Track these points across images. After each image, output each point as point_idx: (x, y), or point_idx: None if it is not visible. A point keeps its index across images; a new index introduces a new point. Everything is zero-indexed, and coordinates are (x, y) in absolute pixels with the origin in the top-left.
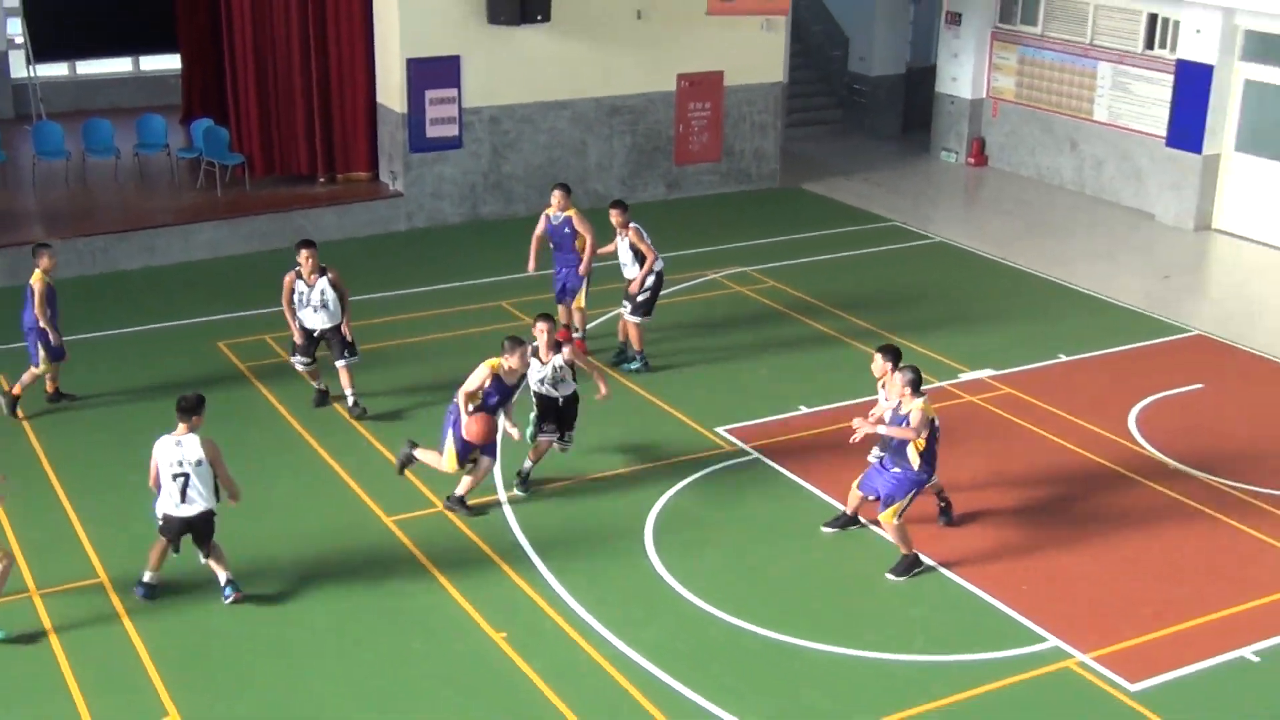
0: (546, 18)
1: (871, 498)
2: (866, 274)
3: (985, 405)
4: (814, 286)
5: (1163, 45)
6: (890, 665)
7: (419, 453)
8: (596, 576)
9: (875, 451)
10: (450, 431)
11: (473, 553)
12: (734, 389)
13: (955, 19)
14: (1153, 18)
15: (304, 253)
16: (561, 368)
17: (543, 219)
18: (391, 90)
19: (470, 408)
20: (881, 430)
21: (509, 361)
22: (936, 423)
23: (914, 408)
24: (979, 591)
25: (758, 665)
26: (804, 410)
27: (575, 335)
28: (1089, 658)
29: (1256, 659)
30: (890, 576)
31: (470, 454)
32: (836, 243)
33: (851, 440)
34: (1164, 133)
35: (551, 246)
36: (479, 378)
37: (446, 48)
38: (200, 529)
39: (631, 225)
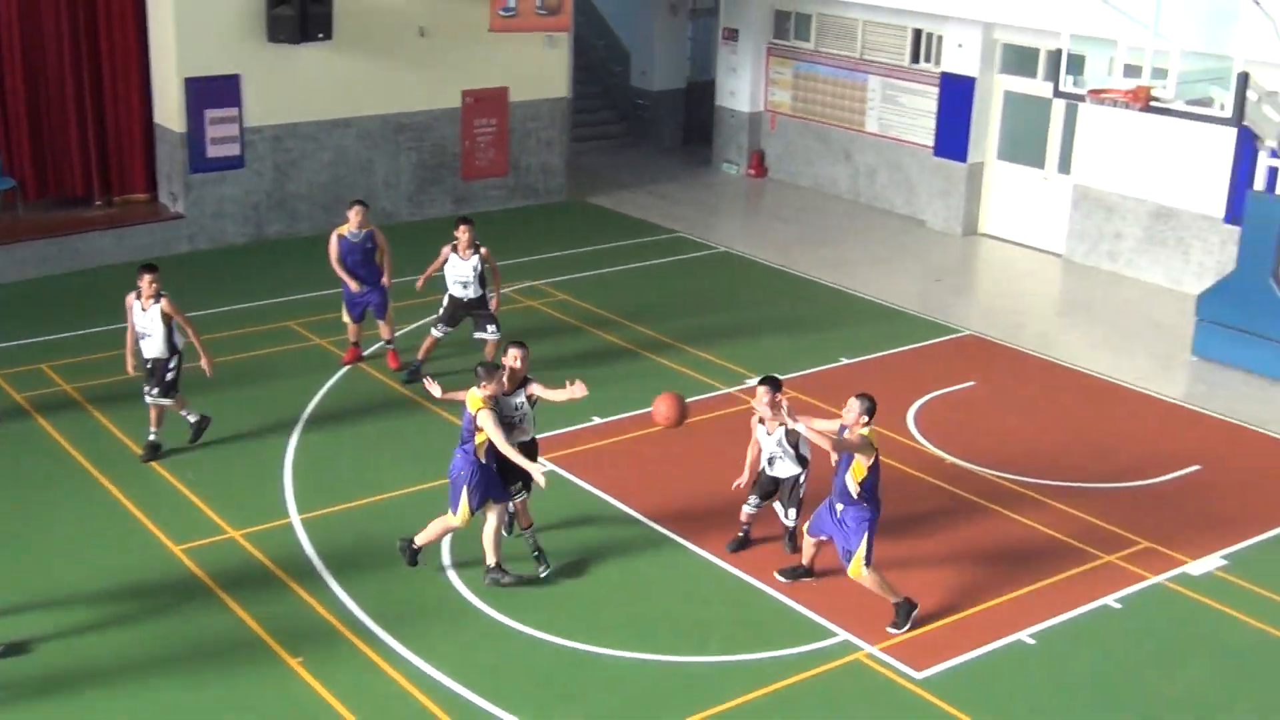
0: (328, 36)
1: (824, 537)
2: (654, 285)
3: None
4: (603, 299)
5: (928, 59)
6: (687, 667)
7: (421, 538)
8: (392, 595)
9: (750, 504)
10: (465, 486)
11: (265, 578)
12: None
13: (732, 35)
14: (918, 33)
15: (462, 227)
16: (523, 404)
17: (336, 239)
18: (169, 110)
19: (501, 439)
20: (802, 429)
21: (487, 390)
22: (879, 456)
23: (860, 431)
24: (769, 590)
25: (557, 674)
26: (597, 420)
27: (389, 346)
28: (877, 649)
29: (1032, 641)
30: (891, 630)
31: (483, 503)
32: (624, 255)
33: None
34: (931, 143)
35: (347, 264)
36: (489, 420)
37: (226, 66)
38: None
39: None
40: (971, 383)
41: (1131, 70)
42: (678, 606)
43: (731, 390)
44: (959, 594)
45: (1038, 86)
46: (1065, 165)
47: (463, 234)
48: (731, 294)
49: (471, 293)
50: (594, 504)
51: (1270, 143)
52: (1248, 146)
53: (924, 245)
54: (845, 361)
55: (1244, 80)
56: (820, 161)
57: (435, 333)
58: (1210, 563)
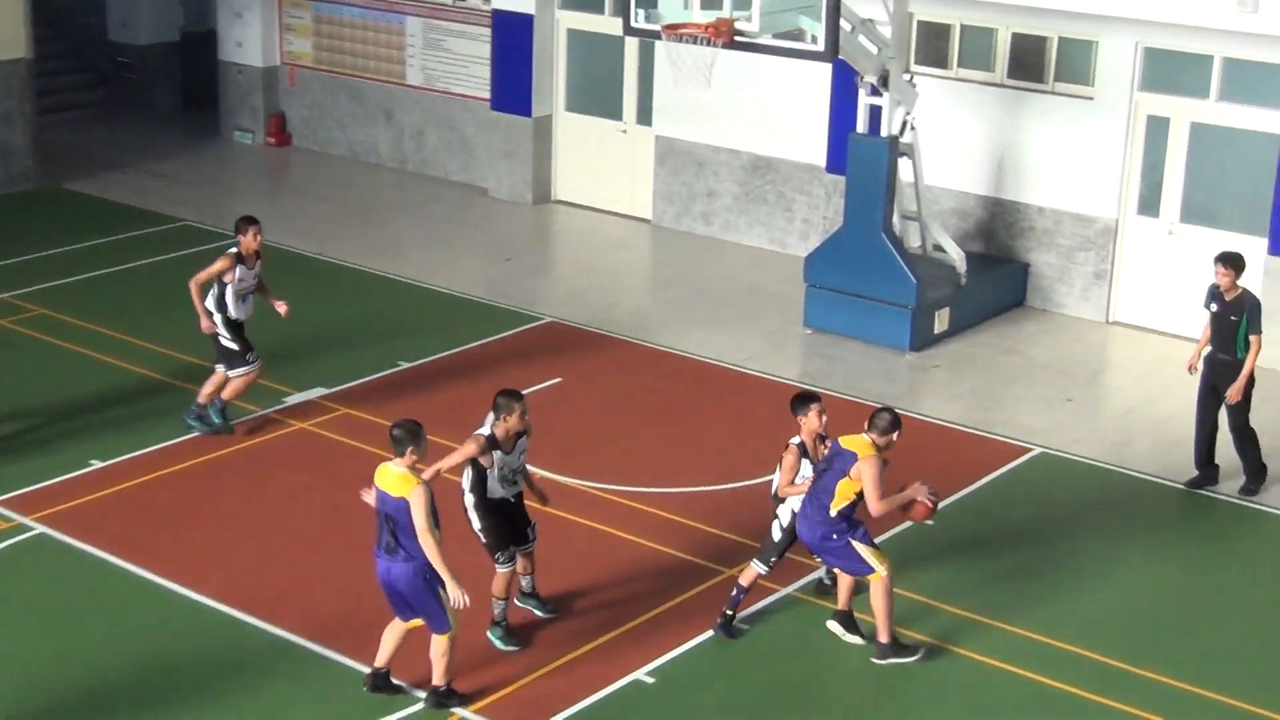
0: None
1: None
2: (160, 288)
3: (319, 431)
4: (95, 311)
5: None
6: None
7: (438, 675)
8: None
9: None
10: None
11: None
12: (6, 449)
13: None
14: None
15: None
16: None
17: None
18: None
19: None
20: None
21: (509, 422)
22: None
23: (868, 456)
24: (336, 656)
25: None
26: (97, 465)
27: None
28: (469, 712)
29: (651, 680)
30: (884, 661)
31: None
32: (117, 252)
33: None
34: (488, 95)
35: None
36: (425, 504)
37: None
38: None
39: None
40: (558, 379)
41: (711, 1)
42: (205, 676)
43: (268, 411)
44: (561, 633)
45: (606, 23)
46: (646, 115)
47: None
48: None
49: None
50: (98, 569)
51: (870, 78)
52: (847, 84)
53: (489, 218)
54: (404, 366)
55: (835, 8)
56: (355, 124)
57: None
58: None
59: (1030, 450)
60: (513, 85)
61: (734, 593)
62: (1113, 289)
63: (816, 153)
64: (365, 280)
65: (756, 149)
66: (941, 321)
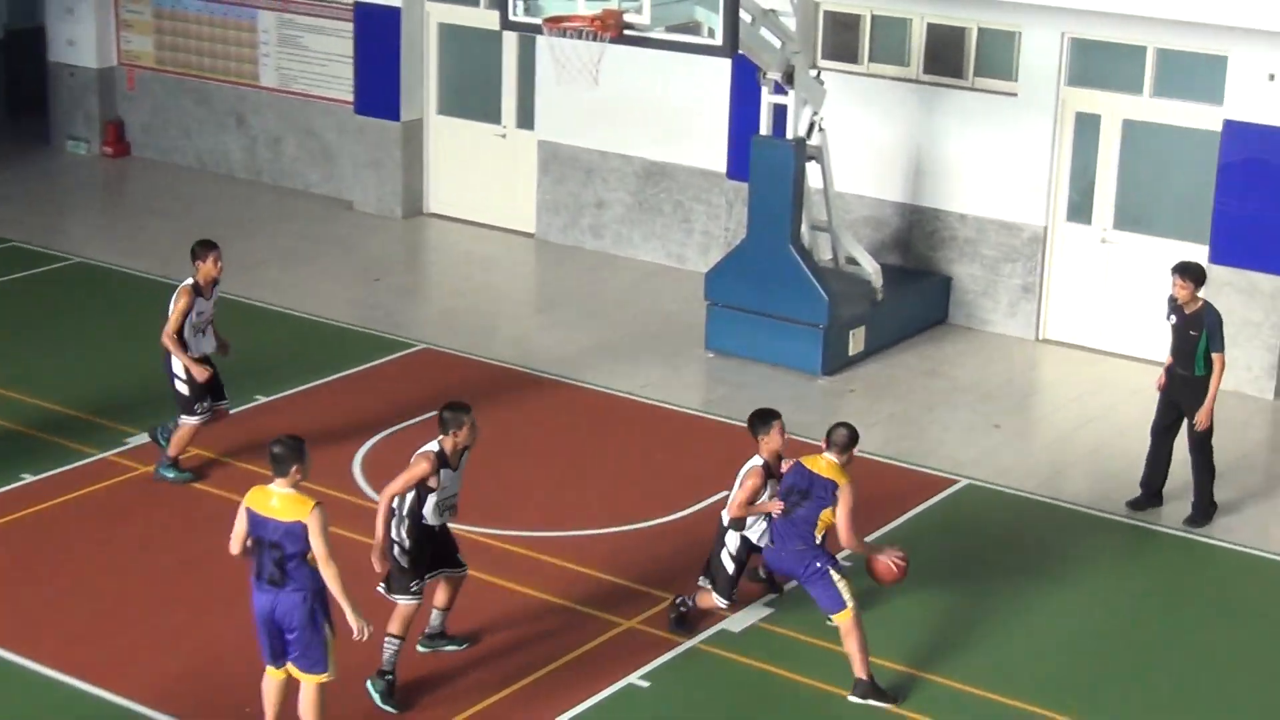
0: None
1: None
2: None
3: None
4: None
5: None
6: None
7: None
8: None
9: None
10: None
11: None
12: None
13: None
14: None
15: None
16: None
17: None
18: None
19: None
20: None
21: (457, 437)
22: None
23: (845, 484)
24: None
25: None
26: None
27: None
28: None
29: None
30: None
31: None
32: None
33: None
34: (351, 97)
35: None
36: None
37: None
38: None
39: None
40: (432, 413)
41: None
42: None
43: (106, 455)
44: (449, 696)
45: (482, 16)
46: (527, 118)
47: None
48: (88, 322)
49: None
50: None
51: (773, 75)
52: (748, 82)
53: (354, 234)
54: (262, 400)
55: None
56: (203, 130)
57: None
58: (753, 614)
59: (956, 482)
60: (378, 86)
61: (682, 601)
62: (1042, 303)
63: (716, 158)
64: (220, 306)
65: (650, 154)
66: (856, 342)
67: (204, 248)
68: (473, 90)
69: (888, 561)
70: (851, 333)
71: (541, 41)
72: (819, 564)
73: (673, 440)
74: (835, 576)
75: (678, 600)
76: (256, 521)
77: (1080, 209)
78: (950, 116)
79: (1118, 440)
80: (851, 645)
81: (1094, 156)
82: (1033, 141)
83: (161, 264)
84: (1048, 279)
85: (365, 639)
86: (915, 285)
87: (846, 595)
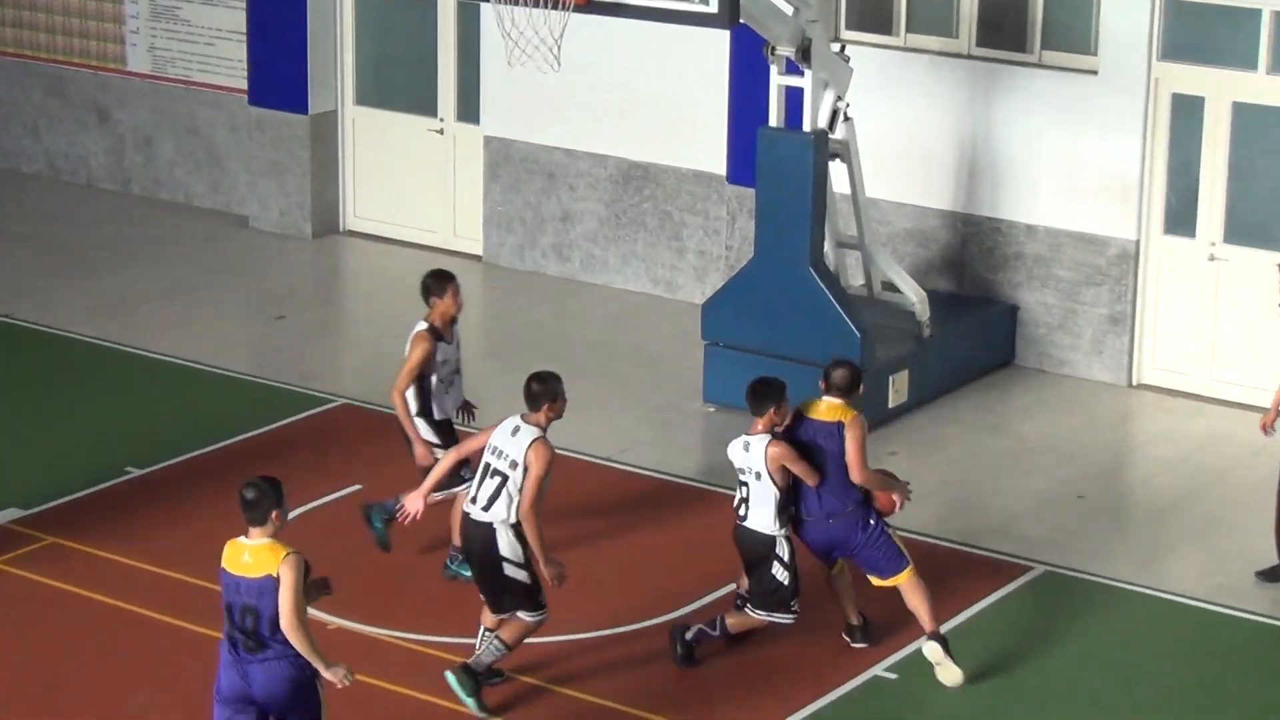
0: None
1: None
2: None
3: (19, 571)
4: None
5: None
6: None
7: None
8: None
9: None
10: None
11: None
12: None
13: None
14: None
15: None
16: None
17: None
18: None
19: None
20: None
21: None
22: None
23: (853, 418)
24: None
25: None
26: None
27: None
28: None
29: None
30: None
31: None
32: None
33: None
34: (245, 85)
35: None
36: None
37: None
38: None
39: None
40: (356, 486)
41: None
42: None
43: None
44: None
45: None
46: (470, 110)
47: None
48: None
49: None
50: None
51: (784, 49)
52: (753, 59)
53: (251, 259)
54: (136, 473)
55: None
56: (55, 128)
57: None
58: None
59: (1030, 569)
60: (279, 70)
61: (710, 627)
62: (1135, 339)
63: (714, 157)
64: (77, 352)
65: (629, 153)
66: (898, 390)
67: (439, 280)
68: (400, 74)
69: (895, 499)
70: (891, 378)
71: (487, 10)
72: (873, 521)
73: (664, 515)
74: (890, 533)
75: (684, 634)
76: (228, 584)
77: (1182, 218)
78: (1012, 101)
79: (1236, 513)
80: (918, 600)
81: (1197, 151)
82: (1118, 132)
83: (3, 299)
84: (1142, 308)
85: (346, 687)
86: (972, 317)
87: (904, 549)
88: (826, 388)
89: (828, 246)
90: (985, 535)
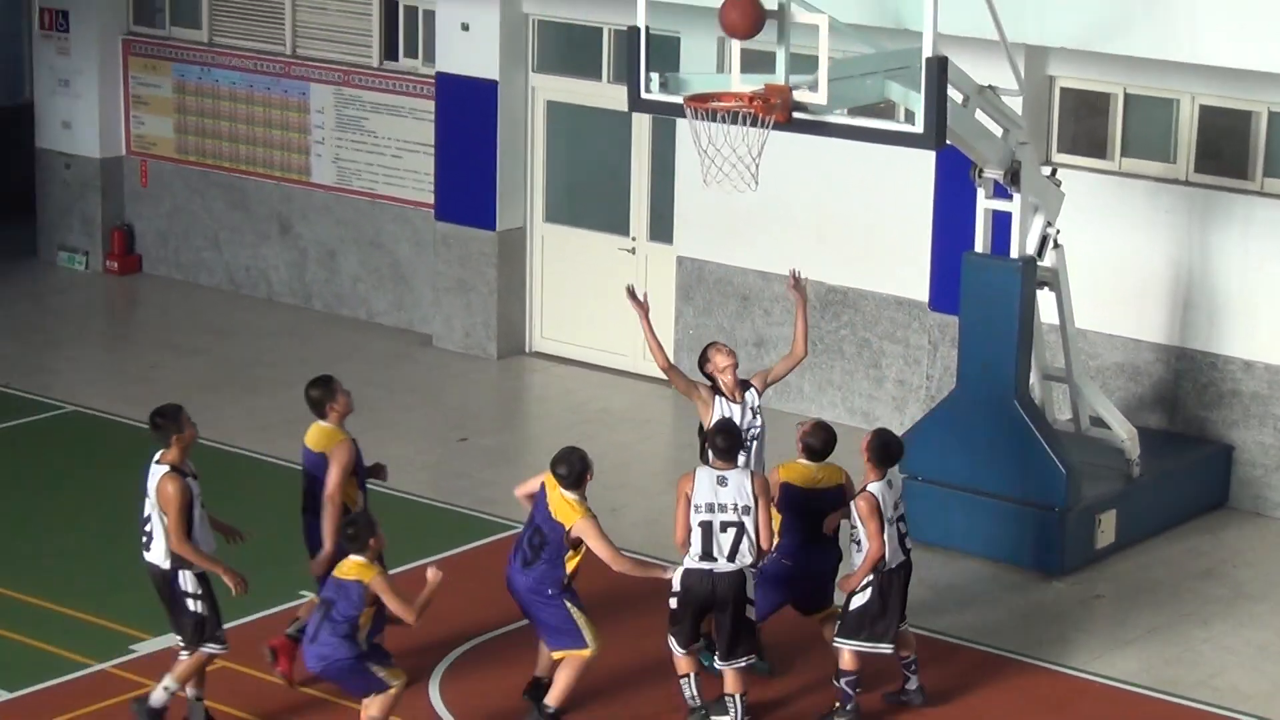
0: None
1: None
2: None
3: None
4: None
5: (411, 52)
6: None
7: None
8: None
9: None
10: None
11: None
12: None
13: (58, 22)
14: (390, 7)
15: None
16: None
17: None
18: None
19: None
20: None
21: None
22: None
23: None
24: None
25: None
26: None
27: None
28: None
29: None
30: None
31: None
32: None
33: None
34: (431, 198)
35: None
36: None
37: None
38: None
39: None
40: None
41: (757, 60)
42: None
43: (107, 666)
44: None
45: (604, 93)
46: (663, 229)
47: None
48: (96, 489)
49: None
50: None
51: (992, 172)
52: (959, 181)
53: (433, 379)
54: (310, 596)
55: (940, 71)
56: (236, 240)
57: None
58: None
59: None
60: (467, 184)
61: (845, 688)
62: None
63: (916, 282)
64: (244, 467)
65: (827, 277)
66: (1105, 531)
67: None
68: (591, 191)
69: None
70: (1099, 518)
71: (683, 127)
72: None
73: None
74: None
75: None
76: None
77: None
78: (1231, 230)
79: None
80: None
81: None
82: None
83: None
84: None
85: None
86: (1184, 456)
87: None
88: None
89: (1034, 379)
90: (1194, 687)
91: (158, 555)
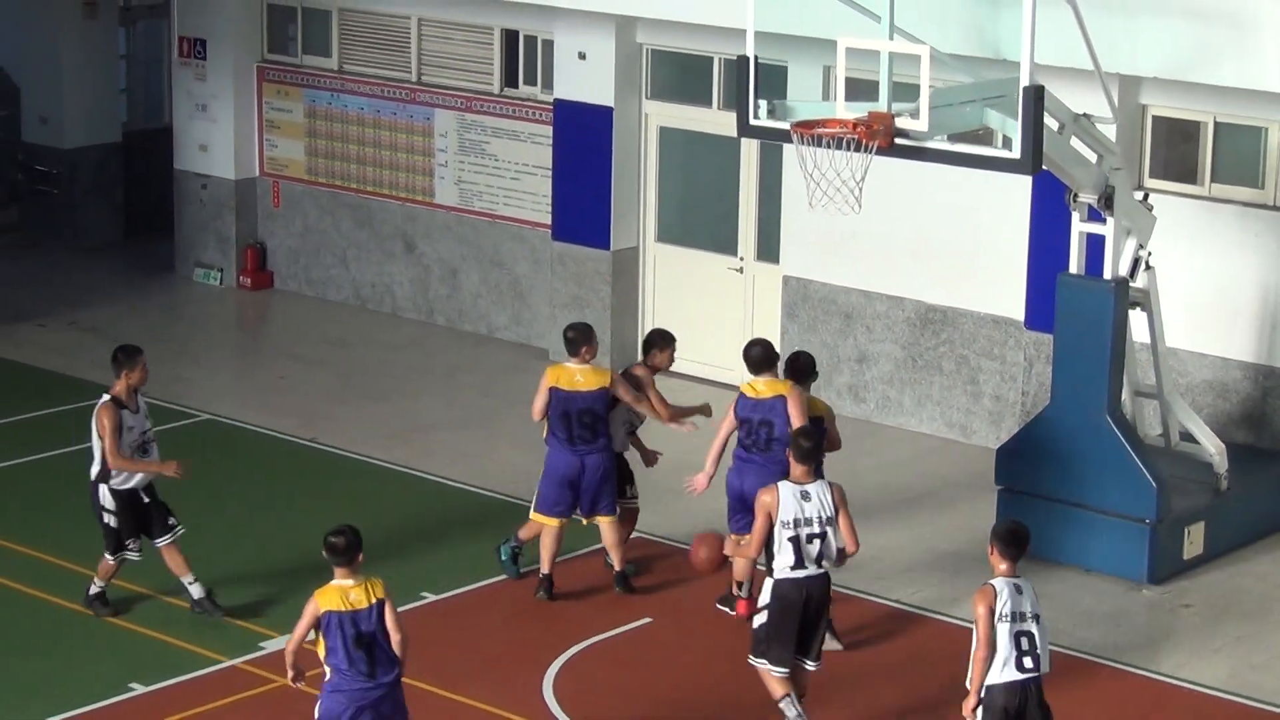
0: None
1: None
2: (78, 486)
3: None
4: None
5: (531, 80)
6: None
7: None
8: None
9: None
10: None
11: None
12: None
13: (196, 50)
14: (511, 37)
15: None
16: None
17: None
18: None
19: None
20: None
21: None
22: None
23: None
24: None
25: None
26: None
27: None
28: None
29: None
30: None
31: None
32: (28, 434)
33: None
34: (548, 219)
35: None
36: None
37: None
38: None
39: None
40: (646, 619)
41: (861, 89)
42: None
43: (238, 662)
44: None
45: (714, 119)
46: (770, 249)
47: None
48: (219, 490)
49: None
50: None
51: (1086, 196)
52: (1054, 205)
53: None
54: (431, 598)
55: (1038, 99)
56: (363, 258)
57: None
58: None
59: None
60: (583, 205)
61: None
62: None
63: (1012, 302)
64: (374, 475)
65: (927, 296)
66: (1194, 543)
67: (129, 355)
68: (701, 212)
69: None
70: (1188, 530)
71: (789, 152)
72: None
73: (955, 676)
74: None
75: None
76: (567, 397)
77: None
78: None
79: None
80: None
81: None
82: None
83: (306, 423)
84: None
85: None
86: (1272, 471)
87: None
88: (752, 367)
89: (1125, 395)
90: None
91: (91, 473)
